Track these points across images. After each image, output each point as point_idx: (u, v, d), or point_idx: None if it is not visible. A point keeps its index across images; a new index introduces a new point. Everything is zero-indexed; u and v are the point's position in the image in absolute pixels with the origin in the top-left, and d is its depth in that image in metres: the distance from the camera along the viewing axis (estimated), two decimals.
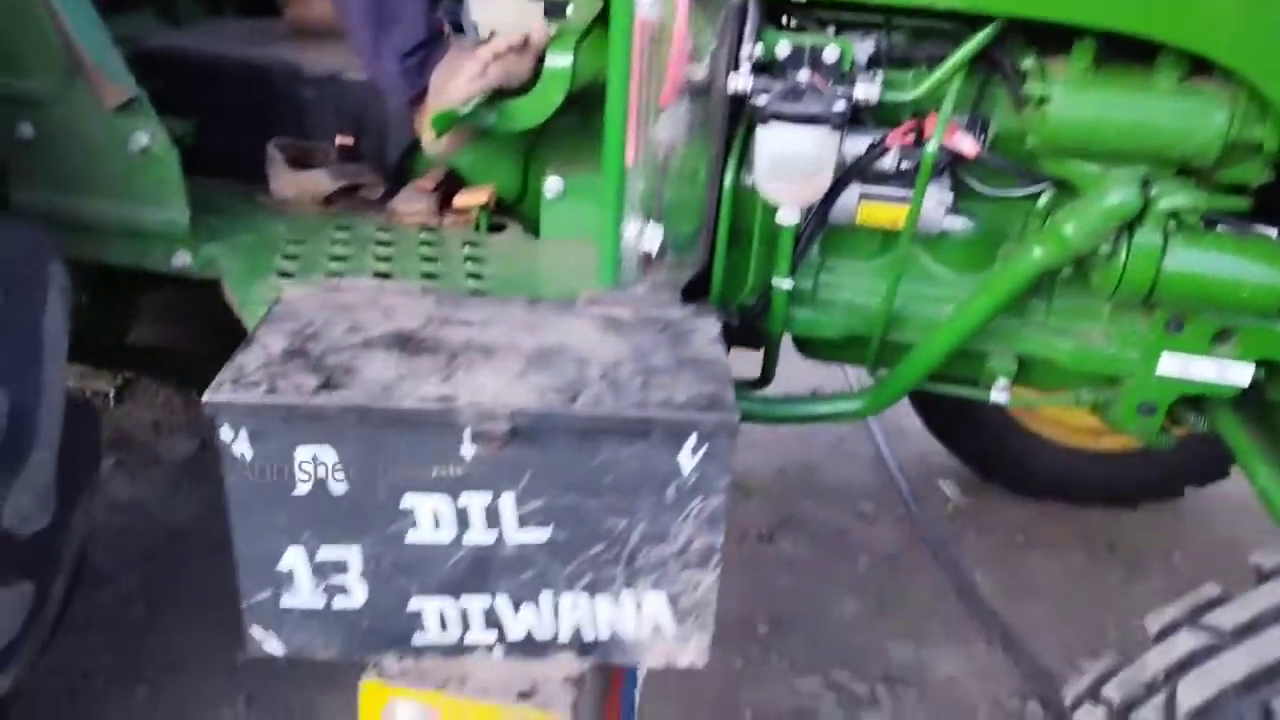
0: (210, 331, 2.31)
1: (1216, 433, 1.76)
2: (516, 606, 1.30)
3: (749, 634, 2.49)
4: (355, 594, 1.28)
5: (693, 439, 1.21)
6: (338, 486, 1.22)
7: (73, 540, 1.52)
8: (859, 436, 3.40)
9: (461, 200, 1.77)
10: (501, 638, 1.32)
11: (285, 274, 1.58)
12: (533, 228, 1.83)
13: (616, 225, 1.46)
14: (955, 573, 2.76)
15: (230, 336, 1.37)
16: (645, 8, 1.32)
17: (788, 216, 1.57)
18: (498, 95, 1.63)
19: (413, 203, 1.79)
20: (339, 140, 1.84)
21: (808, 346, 1.86)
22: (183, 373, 2.70)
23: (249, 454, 1.19)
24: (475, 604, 1.30)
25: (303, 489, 1.22)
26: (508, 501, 1.24)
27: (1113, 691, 1.27)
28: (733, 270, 1.71)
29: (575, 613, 1.31)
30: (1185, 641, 1.23)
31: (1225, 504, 3.09)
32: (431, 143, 1.68)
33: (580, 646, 1.33)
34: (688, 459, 1.22)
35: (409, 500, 1.24)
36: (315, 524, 1.24)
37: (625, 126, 1.39)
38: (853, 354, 1.88)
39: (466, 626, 1.31)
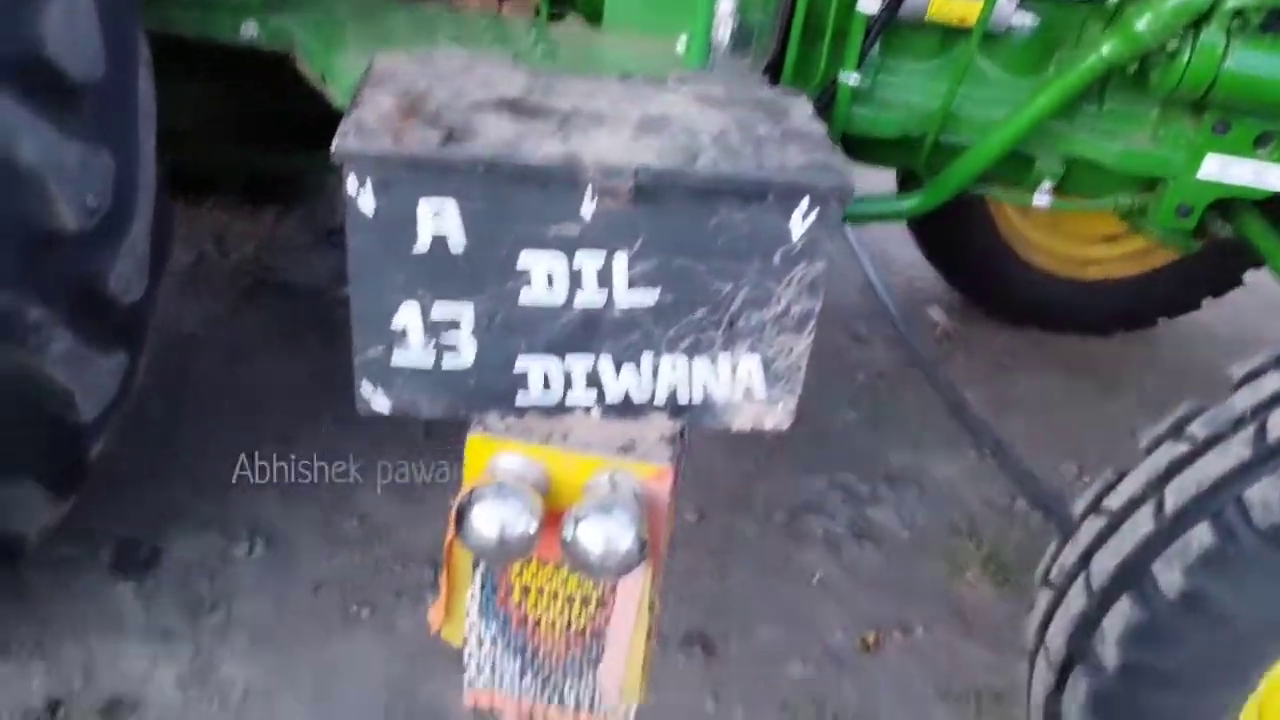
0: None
1: (1242, 236, 1.86)
2: (618, 368, 1.36)
3: (757, 440, 2.62)
4: (464, 353, 1.32)
5: (805, 202, 1.25)
6: (457, 242, 1.24)
7: (154, 313, 1.53)
8: (848, 264, 3.49)
9: None
10: (600, 398, 1.38)
11: (363, 48, 1.55)
12: (588, 17, 1.81)
13: (709, 9, 1.46)
14: (946, 389, 2.90)
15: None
16: None
17: (869, 4, 1.59)
18: None
19: None
20: None
21: (859, 148, 1.90)
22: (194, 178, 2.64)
23: (373, 206, 1.20)
24: (579, 365, 1.35)
25: (423, 245, 1.24)
26: (620, 262, 1.28)
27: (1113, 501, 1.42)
28: (800, 64, 1.72)
29: (673, 375, 1.37)
30: (1169, 451, 1.38)
31: (1195, 333, 3.28)
32: None
33: (674, 409, 1.39)
34: (799, 223, 1.27)
35: (525, 259, 1.27)
36: (432, 281, 1.26)
37: None
38: (902, 156, 1.92)
39: (568, 386, 1.36)
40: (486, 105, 1.32)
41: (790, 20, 1.67)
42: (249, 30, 1.58)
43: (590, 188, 1.22)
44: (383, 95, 1.30)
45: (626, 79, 1.46)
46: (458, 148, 1.20)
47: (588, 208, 1.24)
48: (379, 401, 1.35)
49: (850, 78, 1.70)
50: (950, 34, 1.80)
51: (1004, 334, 3.27)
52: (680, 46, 1.68)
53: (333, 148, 1.17)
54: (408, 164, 1.19)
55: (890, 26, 1.73)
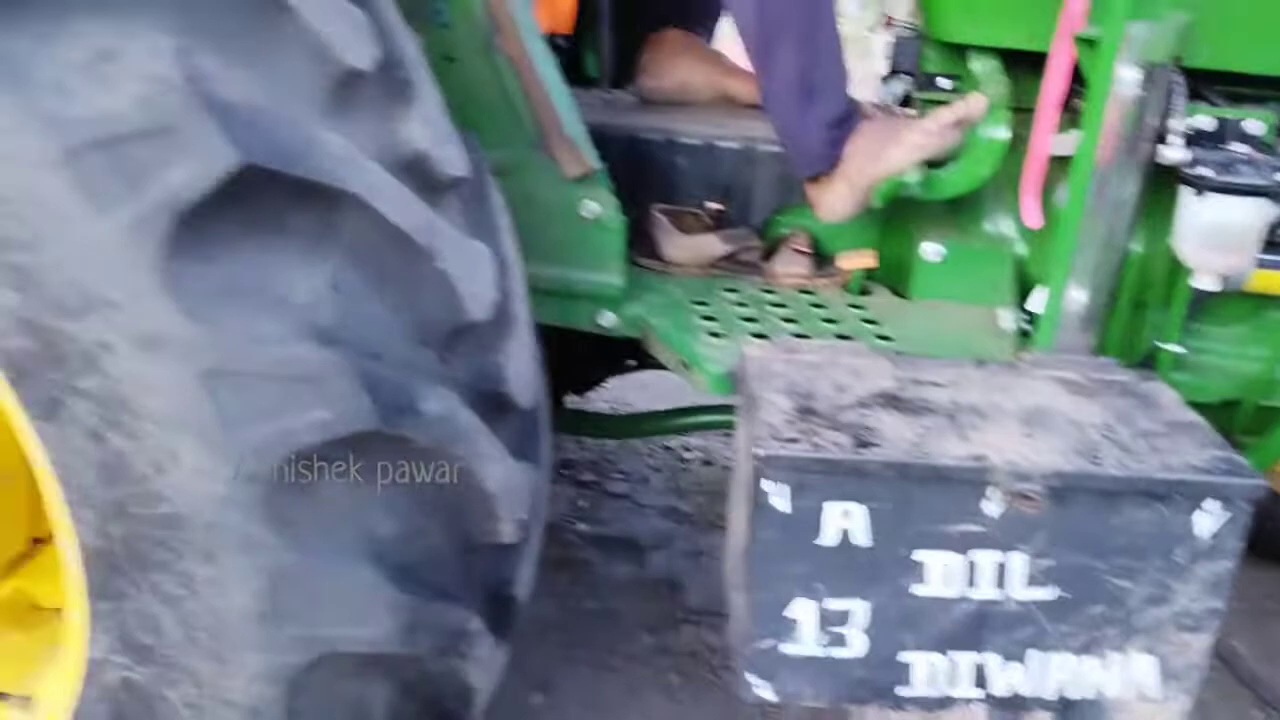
0: None
1: None
2: (1006, 663, 1.34)
3: None
4: (854, 644, 1.32)
5: (1213, 503, 1.24)
6: (861, 540, 1.27)
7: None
8: None
9: (848, 263, 1.84)
10: (986, 694, 1.35)
11: (713, 334, 1.65)
12: (892, 288, 1.89)
13: (1061, 289, 1.51)
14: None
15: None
16: (1127, 85, 1.38)
17: (1209, 284, 1.61)
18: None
19: (791, 264, 1.86)
20: (710, 205, 1.93)
21: None
22: None
23: (786, 507, 1.25)
24: (965, 659, 1.33)
25: (827, 541, 1.27)
26: (1019, 560, 1.28)
27: None
28: (1124, 334, 1.75)
29: (1063, 672, 1.33)
30: None
31: None
32: (834, 209, 1.75)
33: (1062, 707, 1.35)
34: (1205, 523, 1.25)
35: (922, 556, 1.28)
36: (830, 575, 1.29)
37: (1086, 195, 1.45)
38: (1218, 420, 1.89)
39: (953, 681, 1.34)
40: (870, 401, 1.37)
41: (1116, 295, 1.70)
42: (607, 319, 1.71)
43: (998, 490, 1.24)
44: (774, 394, 1.37)
45: (982, 364, 1.51)
46: (870, 452, 1.24)
47: (992, 508, 1.25)
48: (765, 691, 1.35)
49: (1175, 348, 1.71)
50: (1264, 298, 1.80)
51: (1268, 574, 3.07)
52: (1003, 321, 1.73)
53: (754, 452, 1.23)
54: (825, 469, 1.24)
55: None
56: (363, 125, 1.13)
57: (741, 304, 1.78)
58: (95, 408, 1.07)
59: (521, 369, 1.33)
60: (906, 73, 1.93)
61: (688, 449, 3.46)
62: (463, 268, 1.20)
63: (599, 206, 1.66)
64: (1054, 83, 1.54)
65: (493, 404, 1.28)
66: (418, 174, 1.18)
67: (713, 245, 1.85)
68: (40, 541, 1.52)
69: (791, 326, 1.72)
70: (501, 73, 1.58)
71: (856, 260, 1.84)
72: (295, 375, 1.07)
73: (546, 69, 1.58)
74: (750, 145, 1.95)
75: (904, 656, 1.33)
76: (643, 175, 1.92)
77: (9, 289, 1.03)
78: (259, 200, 1.04)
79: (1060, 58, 1.52)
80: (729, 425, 2.31)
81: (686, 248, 1.84)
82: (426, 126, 1.21)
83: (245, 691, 1.22)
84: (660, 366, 2.03)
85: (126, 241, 1.00)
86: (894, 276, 1.90)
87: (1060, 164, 1.65)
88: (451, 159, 1.24)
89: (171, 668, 1.21)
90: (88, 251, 1.01)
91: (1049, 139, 1.59)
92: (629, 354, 2.11)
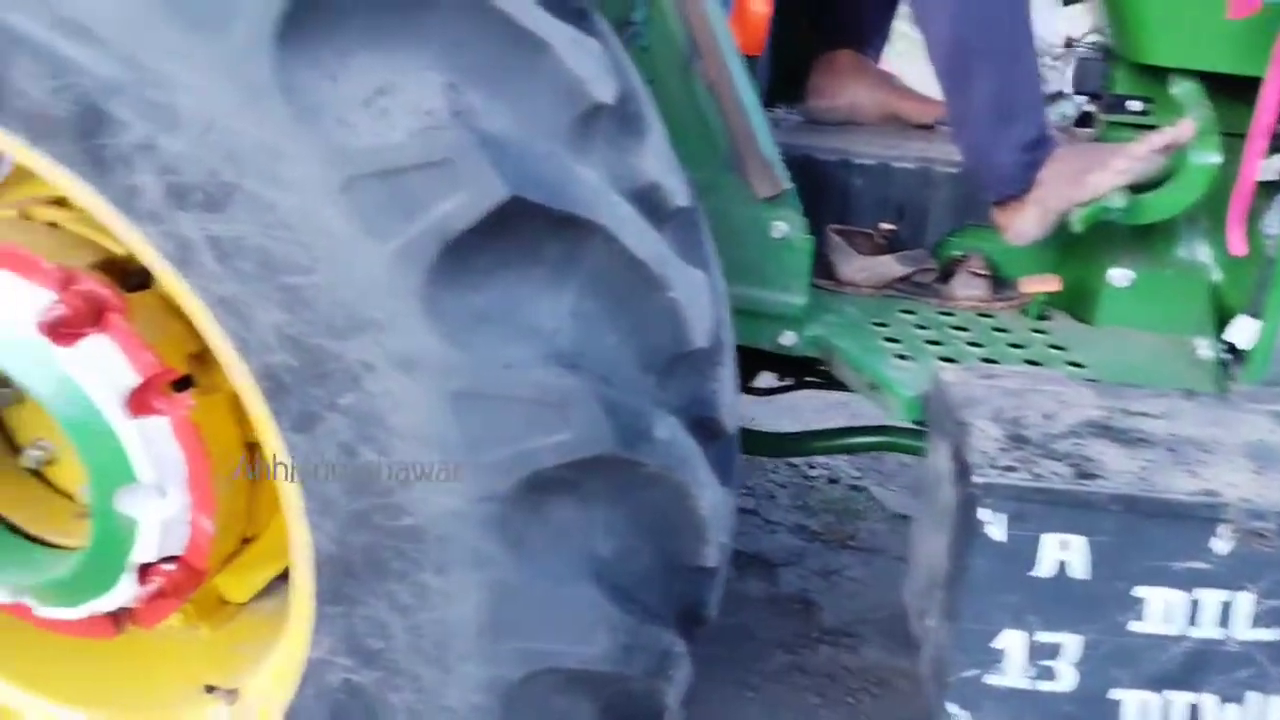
0: None
1: None
2: (1223, 705, 1.30)
3: None
4: (1063, 679, 1.30)
5: None
6: (1079, 573, 1.25)
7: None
8: None
9: (1031, 286, 1.81)
10: None
11: (901, 356, 1.64)
12: (1072, 313, 1.86)
13: (1277, 322, 1.46)
14: None
15: None
16: None
17: None
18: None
19: (969, 287, 1.85)
20: (883, 226, 1.92)
21: None
22: None
23: (1002, 536, 1.24)
24: (1180, 699, 1.30)
25: (1043, 573, 1.25)
26: (1245, 599, 1.24)
27: None
28: None
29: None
30: None
31: None
32: (1023, 232, 1.73)
33: None
34: None
35: (1141, 592, 1.25)
36: (1043, 607, 1.27)
37: None
38: None
39: None
40: (1082, 430, 1.35)
41: None
42: (788, 339, 1.71)
43: (1230, 527, 1.21)
44: (983, 421, 1.36)
45: (1192, 396, 1.47)
46: (1094, 484, 1.22)
47: (1221, 545, 1.22)
48: None
49: None
50: None
51: None
52: (1201, 351, 1.68)
53: (972, 479, 1.23)
54: (1046, 499, 1.22)
55: None
56: (603, 157, 1.16)
57: (922, 326, 1.77)
58: (351, 423, 1.13)
59: (728, 395, 1.35)
60: (1089, 94, 1.90)
61: (812, 466, 3.44)
62: (688, 296, 1.22)
63: (788, 226, 1.66)
64: (1269, 107, 1.49)
65: (705, 430, 1.30)
66: (649, 204, 1.21)
67: (890, 266, 1.85)
68: (246, 541, 1.59)
69: (977, 350, 1.70)
70: (697, 94, 1.61)
71: (1040, 284, 1.81)
72: (540, 399, 1.11)
73: (744, 90, 1.59)
74: (925, 166, 1.94)
75: (1115, 694, 1.31)
76: (816, 195, 1.93)
77: (279, 308, 1.09)
78: (517, 231, 1.08)
79: (1276, 82, 1.48)
80: (889, 448, 2.30)
81: (864, 268, 1.84)
82: (657, 158, 1.24)
83: (463, 700, 1.26)
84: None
85: (395, 267, 1.05)
86: (1074, 301, 1.86)
87: (1262, 189, 1.60)
88: (677, 189, 1.26)
89: (396, 673, 1.26)
90: (358, 275, 1.06)
91: (1258, 165, 1.54)
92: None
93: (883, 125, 2.14)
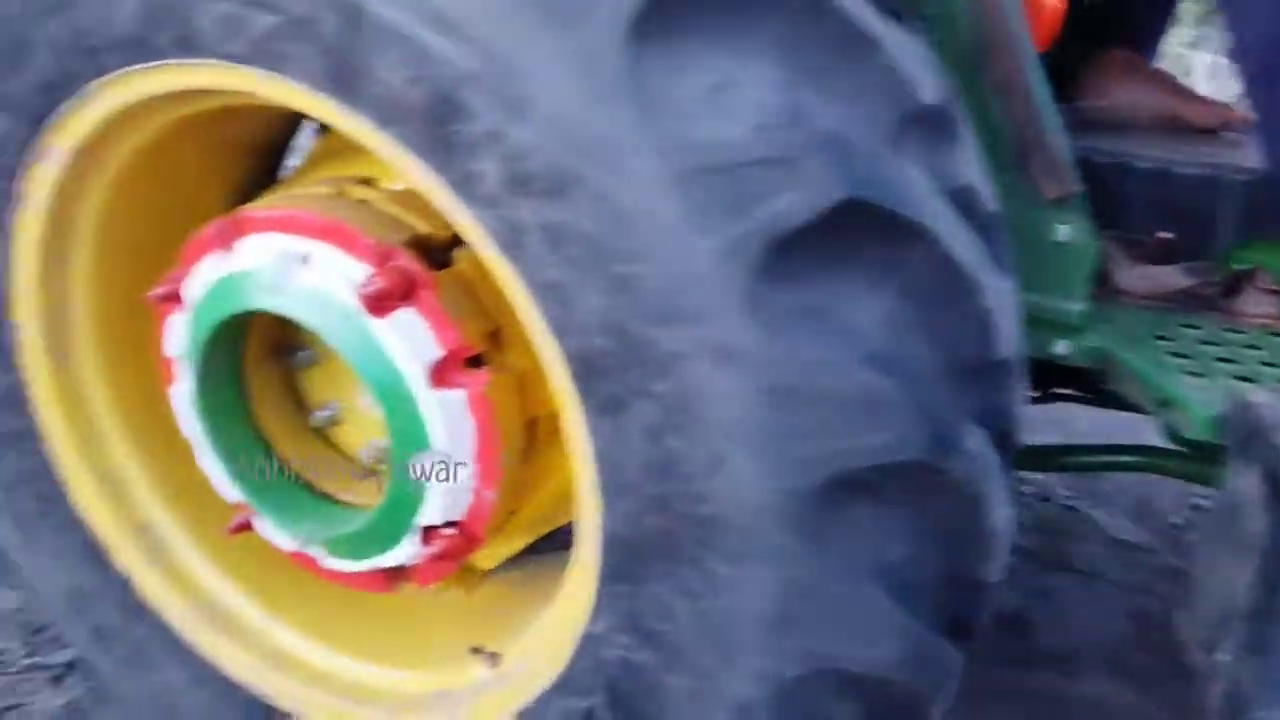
0: None
1: None
2: None
3: None
4: None
5: None
6: None
7: None
8: None
9: None
10: None
11: (1192, 373, 1.55)
12: None
13: None
14: None
15: None
16: None
17: None
18: None
19: (1259, 304, 1.73)
20: (1161, 234, 1.82)
21: None
22: None
23: None
24: None
25: None
26: None
27: None
28: None
29: None
30: None
31: None
32: None
33: None
34: None
35: None
36: None
37: None
38: None
39: None
40: None
41: None
42: (1062, 348, 1.65)
43: None
44: None
45: None
46: None
47: None
48: None
49: None
50: None
51: None
52: None
53: None
54: None
55: None
56: (924, 159, 1.14)
57: (1209, 343, 1.66)
58: (660, 410, 1.15)
59: (1020, 408, 1.30)
60: None
61: (1025, 483, 3.31)
62: (998, 304, 1.19)
63: (1072, 230, 1.59)
64: None
65: (1001, 443, 1.26)
66: (964, 208, 1.17)
67: (1172, 277, 1.74)
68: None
69: (1272, 371, 1.58)
70: (984, 90, 1.55)
71: None
72: (856, 400, 1.10)
73: (1039, 86, 1.53)
74: (1212, 173, 1.82)
75: None
76: (1088, 199, 1.84)
77: (603, 294, 1.12)
78: (845, 231, 1.07)
79: None
80: (1150, 469, 2.17)
81: (1145, 277, 1.74)
82: (969, 161, 1.21)
83: (740, 690, 1.27)
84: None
85: (723, 261, 1.06)
86: None
87: None
88: (989, 194, 1.22)
89: (677, 656, 1.28)
90: (686, 267, 1.07)
91: None
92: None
93: (1161, 128, 2.02)
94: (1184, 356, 1.60)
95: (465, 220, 1.18)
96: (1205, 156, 1.85)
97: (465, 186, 1.14)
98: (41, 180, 1.41)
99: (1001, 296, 1.21)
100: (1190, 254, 1.85)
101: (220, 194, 1.68)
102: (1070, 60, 2.08)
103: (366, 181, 1.49)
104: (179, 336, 1.48)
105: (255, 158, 1.73)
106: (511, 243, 1.15)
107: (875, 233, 1.09)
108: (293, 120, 1.71)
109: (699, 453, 1.15)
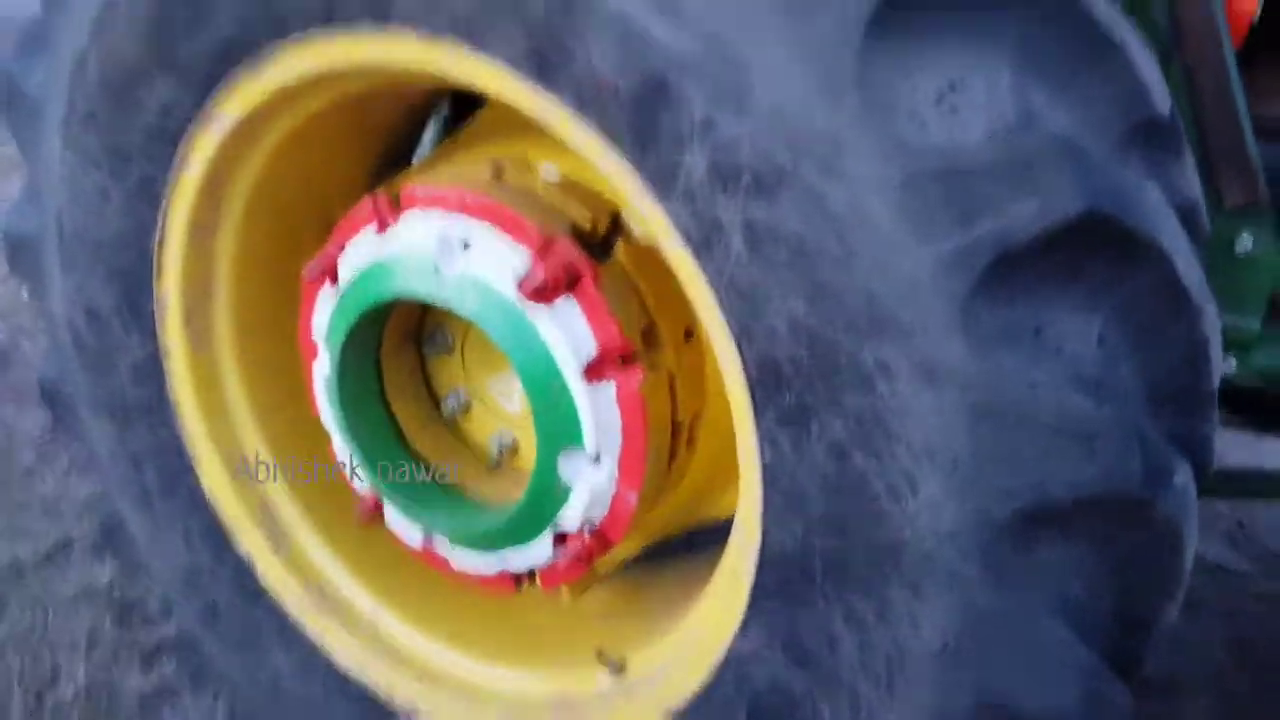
0: None
1: None
2: None
3: None
4: None
5: None
6: None
7: None
8: None
9: None
10: None
11: None
12: None
13: None
14: None
15: None
16: None
17: None
18: None
19: None
20: None
21: None
22: None
23: None
24: None
25: None
26: None
27: None
28: None
29: None
30: None
31: None
32: None
33: None
34: None
35: None
36: None
37: None
38: None
39: None
40: None
41: None
42: (1228, 366, 1.56)
43: None
44: None
45: None
46: None
47: None
48: None
49: None
50: None
51: None
52: None
53: None
54: None
55: None
56: (1154, 172, 1.07)
57: None
58: (850, 425, 1.09)
59: (1213, 442, 1.23)
60: None
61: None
62: (1213, 329, 1.11)
63: (1254, 242, 1.51)
64: None
65: (1197, 477, 1.19)
66: (1189, 228, 1.10)
67: None
68: None
69: None
70: (1173, 82, 1.46)
71: None
72: (1067, 427, 1.03)
73: (1235, 85, 1.45)
74: None
75: None
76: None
77: (802, 299, 1.06)
78: (1076, 245, 1.00)
79: None
80: None
81: None
82: (1193, 177, 1.13)
83: None
84: None
85: (944, 272, 1.00)
86: None
87: None
88: (1206, 212, 1.15)
89: (834, 684, 1.22)
90: (897, 276, 1.01)
91: None
92: None
93: None
94: None
95: (654, 214, 1.13)
96: None
97: (664, 179, 1.09)
98: (203, 148, 1.37)
99: (1215, 321, 1.14)
100: None
101: (360, 175, 1.64)
102: (1257, 67, 1.98)
103: (524, 164, 1.45)
104: (325, 316, 1.44)
105: (392, 141, 1.69)
106: (706, 240, 1.09)
107: (1105, 249, 1.02)
108: (426, 108, 1.67)
109: (889, 473, 1.09)
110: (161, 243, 1.47)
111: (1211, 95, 1.44)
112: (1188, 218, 1.11)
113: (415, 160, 1.66)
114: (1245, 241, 1.51)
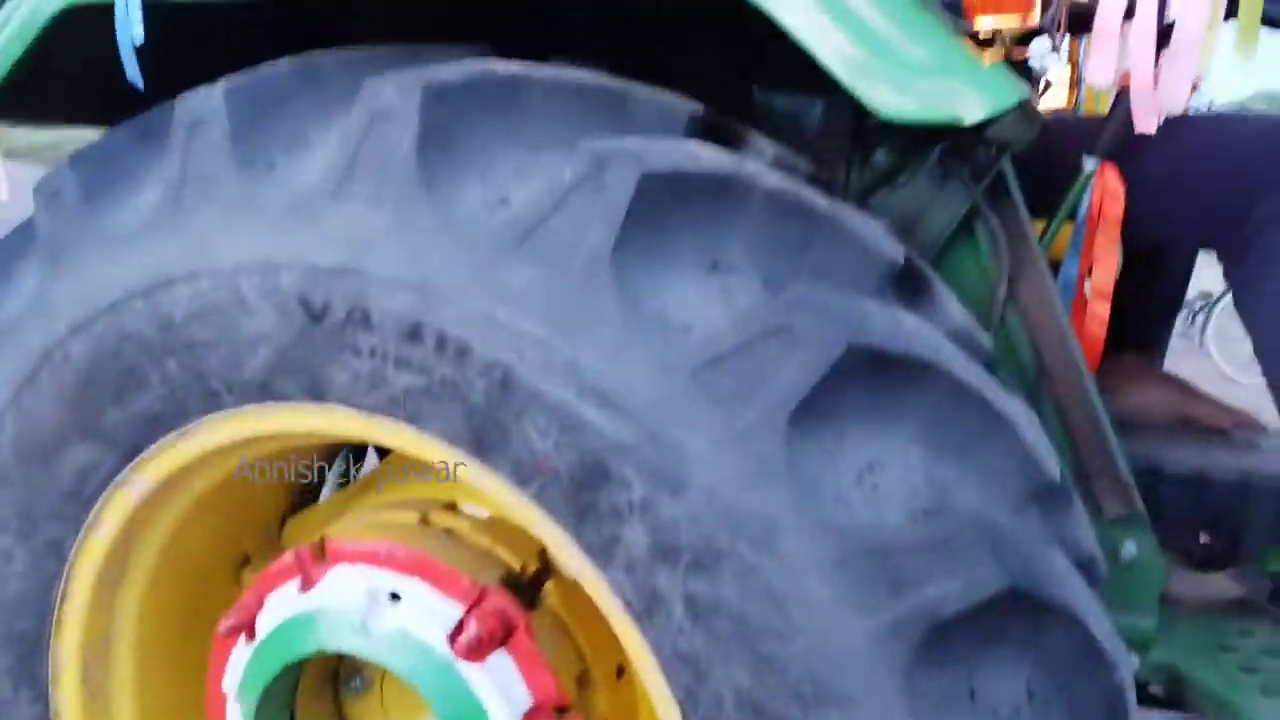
0: None
1: None
2: None
3: None
4: None
5: None
6: None
7: None
8: None
9: None
10: None
11: (1265, 691, 1.55)
12: None
13: None
14: None
15: None
16: None
17: None
18: None
19: None
20: (1202, 540, 1.86)
21: None
22: None
23: None
24: None
25: None
26: None
27: None
28: None
29: None
30: None
31: None
32: None
33: None
34: None
35: None
36: None
37: None
38: None
39: None
40: None
41: None
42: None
43: None
44: None
45: None
46: None
47: None
48: None
49: None
50: None
51: None
52: None
53: None
54: None
55: None
56: (1052, 533, 1.16)
57: (1272, 652, 1.67)
58: None
59: None
60: None
61: None
62: (1128, 676, 1.17)
63: (1137, 548, 1.61)
64: None
65: None
66: (1090, 579, 1.19)
67: (1223, 584, 1.77)
68: None
69: None
70: (1043, 412, 1.60)
71: None
72: None
73: (1097, 407, 1.58)
74: (1245, 477, 1.88)
75: None
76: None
77: (745, 671, 1.08)
78: (998, 614, 1.06)
79: None
80: None
81: (1194, 585, 1.77)
82: (1087, 528, 1.23)
83: None
84: None
85: (881, 644, 1.03)
86: None
87: None
88: (1101, 559, 1.25)
89: None
90: (838, 648, 1.04)
91: None
92: None
93: (1173, 430, 2.10)
94: (1252, 671, 1.60)
95: (593, 580, 1.14)
96: (1234, 460, 1.92)
97: (602, 551, 1.11)
98: (118, 509, 1.33)
99: (1129, 669, 1.20)
100: (1227, 558, 1.88)
101: (273, 514, 1.62)
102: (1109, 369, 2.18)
103: (450, 507, 1.46)
104: (239, 669, 1.38)
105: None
106: (647, 610, 1.11)
107: (1025, 614, 1.08)
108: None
109: None
110: (63, 599, 1.40)
111: (1080, 424, 1.58)
112: (1088, 570, 1.19)
113: (326, 491, 1.65)
114: (1129, 549, 1.62)
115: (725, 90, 1.52)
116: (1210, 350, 9.36)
